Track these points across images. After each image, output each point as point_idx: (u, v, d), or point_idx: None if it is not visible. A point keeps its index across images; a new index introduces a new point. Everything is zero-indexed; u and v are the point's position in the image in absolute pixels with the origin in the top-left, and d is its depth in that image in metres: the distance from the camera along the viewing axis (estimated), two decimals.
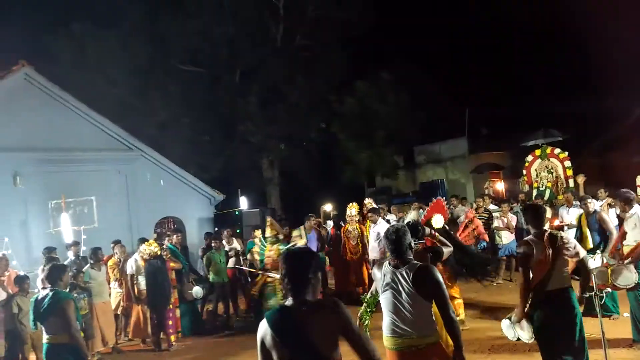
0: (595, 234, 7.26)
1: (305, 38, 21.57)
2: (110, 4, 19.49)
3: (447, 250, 5.25)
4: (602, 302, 5.76)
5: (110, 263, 8.69)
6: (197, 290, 8.90)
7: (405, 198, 18.21)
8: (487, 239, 9.16)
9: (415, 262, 3.66)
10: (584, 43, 17.55)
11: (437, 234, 5.70)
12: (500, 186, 17.54)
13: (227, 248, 9.76)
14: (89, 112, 12.12)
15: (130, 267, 8.33)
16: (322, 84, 20.95)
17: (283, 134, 21.15)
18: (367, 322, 5.00)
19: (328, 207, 13.75)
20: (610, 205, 8.90)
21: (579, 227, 7.55)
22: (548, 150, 13.10)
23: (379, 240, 8.88)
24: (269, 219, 8.47)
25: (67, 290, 5.62)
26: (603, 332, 4.76)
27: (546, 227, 7.19)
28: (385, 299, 3.66)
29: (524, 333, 4.27)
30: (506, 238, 10.23)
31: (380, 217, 9.31)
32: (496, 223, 10.43)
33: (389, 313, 3.62)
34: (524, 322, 4.28)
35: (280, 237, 8.05)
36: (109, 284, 8.52)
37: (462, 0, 23.30)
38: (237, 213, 14.81)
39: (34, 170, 10.89)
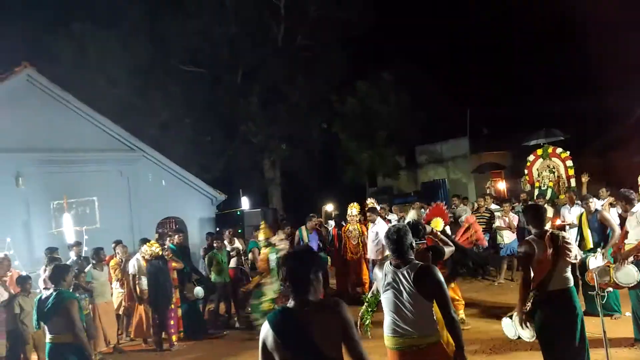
0: (595, 233, 7.25)
1: (306, 38, 21.59)
2: (110, 4, 19.54)
3: (448, 250, 5.24)
4: (605, 301, 5.77)
5: (112, 263, 8.70)
6: (198, 290, 8.90)
7: (406, 198, 18.21)
8: (486, 244, 9.18)
9: (417, 262, 3.66)
10: (585, 42, 17.54)
11: (438, 232, 5.70)
12: (501, 186, 17.50)
13: (228, 248, 9.76)
14: (90, 113, 12.16)
15: (132, 267, 8.34)
16: (323, 84, 20.97)
17: (284, 134, 21.18)
18: (368, 321, 5.00)
19: (329, 207, 13.76)
20: (611, 205, 8.89)
21: (579, 226, 7.54)
22: (550, 150, 13.07)
23: (378, 240, 8.88)
24: (263, 223, 8.51)
25: (71, 290, 5.62)
26: (604, 332, 4.75)
27: (548, 226, 7.22)
28: (386, 299, 3.66)
29: (525, 332, 4.27)
30: (508, 238, 10.22)
31: (378, 217, 9.30)
32: (498, 223, 10.43)
33: (390, 313, 3.62)
34: (526, 321, 4.27)
35: (272, 241, 8.08)
36: (110, 284, 8.53)
37: (463, 0, 23.31)
38: (238, 213, 14.84)
39: (36, 171, 10.92)
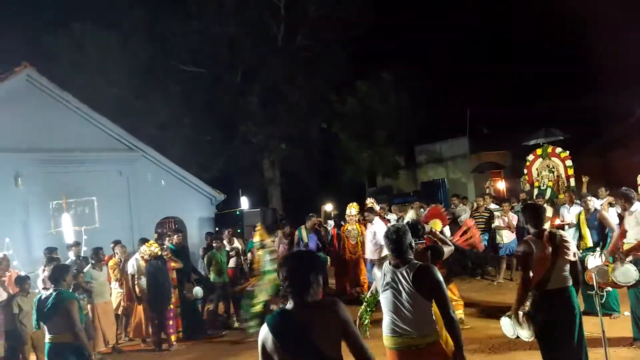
0: (594, 232, 7.26)
1: (306, 38, 21.59)
2: (110, 4, 19.53)
3: (447, 249, 5.24)
4: (604, 301, 5.77)
5: (111, 263, 8.70)
6: (197, 290, 8.90)
7: (406, 198, 18.19)
8: (482, 248, 9.21)
9: (416, 261, 3.66)
10: (584, 42, 17.54)
11: (437, 232, 5.70)
12: (501, 185, 17.52)
13: (228, 248, 9.76)
14: (90, 113, 12.15)
15: (131, 266, 8.33)
16: (322, 83, 20.98)
17: (284, 133, 21.18)
18: (367, 321, 5.01)
19: (329, 207, 13.76)
20: (610, 204, 8.89)
21: (578, 225, 7.55)
22: (549, 150, 13.08)
23: (375, 240, 8.88)
24: (259, 225, 8.52)
25: (71, 290, 5.62)
26: (603, 331, 4.75)
27: (547, 226, 7.21)
28: (385, 299, 3.66)
29: (524, 331, 4.27)
30: (507, 237, 10.22)
31: (376, 217, 9.30)
32: (497, 222, 10.43)
33: (389, 312, 3.62)
34: (524, 321, 4.27)
35: (266, 243, 8.08)
36: (109, 284, 8.53)
37: (462, 0, 23.30)
38: (238, 213, 14.83)
39: (35, 171, 10.91)
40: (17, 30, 17.87)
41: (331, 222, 11.73)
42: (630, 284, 5.59)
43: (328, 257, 10.66)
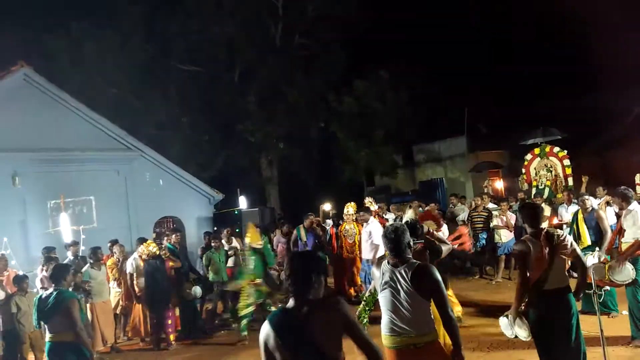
0: (591, 231, 7.27)
1: (304, 37, 21.60)
2: (109, 4, 19.51)
3: (445, 248, 5.25)
4: (602, 300, 5.79)
5: (109, 263, 8.69)
6: (196, 290, 8.90)
7: (404, 197, 18.19)
8: (470, 250, 9.27)
9: (414, 261, 3.66)
10: (583, 42, 17.55)
11: (434, 232, 5.70)
12: (499, 185, 17.54)
13: (226, 247, 9.75)
14: (87, 112, 12.13)
15: (130, 266, 8.33)
16: (321, 83, 20.98)
17: (282, 133, 21.18)
18: (365, 320, 5.01)
19: (327, 206, 13.76)
20: (608, 204, 8.91)
21: (574, 224, 7.56)
22: (547, 149, 13.10)
23: (371, 240, 8.90)
24: (251, 225, 8.46)
25: (70, 290, 5.62)
26: (602, 330, 4.76)
27: (545, 225, 7.22)
28: (383, 298, 3.66)
29: (522, 331, 4.27)
30: (505, 236, 10.24)
31: (371, 217, 9.31)
32: (495, 222, 10.45)
33: (388, 312, 3.63)
34: (522, 320, 4.27)
35: (257, 246, 8.05)
36: (108, 283, 8.52)
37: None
38: (236, 212, 14.83)
39: (32, 170, 10.89)
40: (16, 30, 17.85)
41: (329, 222, 11.73)
42: (627, 282, 5.61)
43: (327, 257, 10.66)
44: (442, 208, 13.45)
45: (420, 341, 3.53)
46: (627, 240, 6.05)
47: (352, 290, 9.67)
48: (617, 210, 6.99)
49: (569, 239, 4.30)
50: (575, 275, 4.53)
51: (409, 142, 22.57)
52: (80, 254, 8.88)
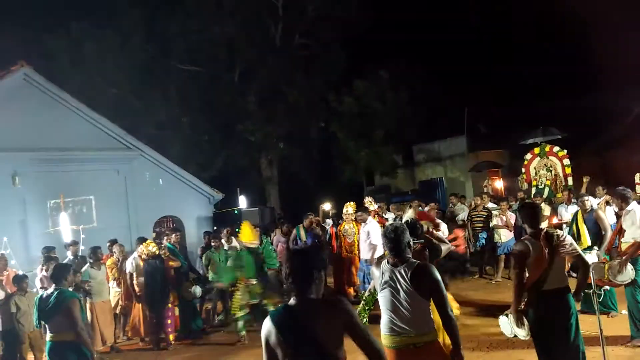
0: (591, 231, 7.27)
1: (304, 37, 21.60)
2: (109, 4, 19.51)
3: (445, 248, 5.25)
4: (601, 299, 5.79)
5: (108, 262, 8.69)
6: (196, 290, 8.90)
7: (404, 197, 18.20)
8: (464, 251, 9.30)
9: (414, 260, 3.67)
10: (583, 41, 17.55)
11: (434, 231, 5.71)
12: (499, 184, 17.55)
13: (226, 247, 9.74)
14: (87, 112, 12.12)
15: (130, 265, 8.33)
16: (321, 83, 20.98)
17: (282, 133, 21.17)
18: (364, 320, 5.01)
19: (327, 206, 13.74)
20: (607, 203, 8.91)
21: (574, 224, 7.56)
22: (547, 149, 13.11)
23: (369, 240, 8.91)
24: (245, 225, 8.41)
25: (71, 289, 5.63)
26: (601, 329, 4.76)
27: (545, 225, 7.22)
28: (383, 297, 3.66)
29: (521, 331, 4.27)
30: (505, 236, 10.24)
31: (369, 217, 9.32)
32: (495, 221, 10.45)
33: (387, 311, 3.63)
34: (521, 320, 4.27)
35: (250, 245, 8.05)
36: (108, 283, 8.51)
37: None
38: (236, 212, 14.82)
39: (32, 170, 10.89)
40: (16, 29, 17.85)
41: (329, 221, 11.74)
42: (626, 282, 5.61)
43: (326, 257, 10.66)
44: (442, 208, 13.45)
45: (419, 341, 3.53)
46: (626, 240, 6.05)
47: (351, 290, 9.68)
48: (616, 210, 6.99)
49: (569, 239, 4.29)
50: (575, 275, 4.52)
51: (408, 142, 22.57)
52: (80, 254, 8.88)
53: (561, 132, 13.60)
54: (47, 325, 5.11)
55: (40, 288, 7.56)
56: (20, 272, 7.80)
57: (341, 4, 20.39)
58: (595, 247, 6.79)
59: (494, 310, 7.42)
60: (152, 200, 12.92)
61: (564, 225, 8.93)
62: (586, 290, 6.27)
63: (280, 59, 20.69)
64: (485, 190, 13.38)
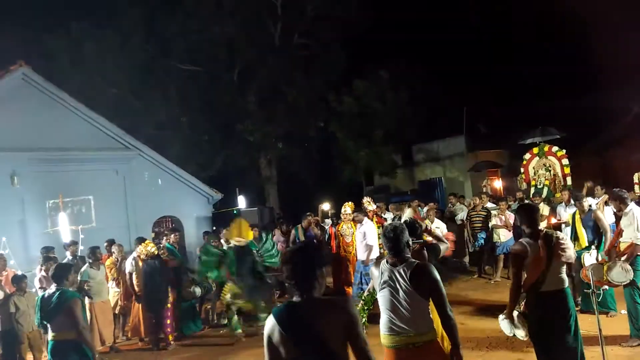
0: (589, 231, 7.27)
1: (304, 37, 21.60)
2: (109, 4, 19.50)
3: (443, 247, 5.24)
4: (600, 299, 5.79)
5: (107, 262, 8.69)
6: (195, 290, 8.89)
7: (403, 196, 18.20)
8: (451, 254, 9.33)
9: (413, 260, 3.66)
10: (582, 41, 17.57)
11: (432, 230, 5.71)
12: (498, 184, 17.55)
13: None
14: (86, 112, 12.13)
15: (129, 265, 8.32)
16: (320, 83, 20.98)
17: (281, 132, 21.17)
18: (364, 320, 5.01)
19: (326, 206, 13.76)
20: (606, 203, 8.90)
21: (572, 226, 7.57)
22: (546, 148, 13.10)
23: (365, 241, 8.92)
24: (235, 222, 8.36)
25: (72, 289, 5.63)
26: (600, 329, 4.75)
27: (543, 225, 7.22)
28: (382, 297, 3.66)
29: (519, 331, 4.27)
30: (504, 236, 10.25)
31: (365, 217, 9.33)
32: (494, 221, 10.46)
33: (387, 311, 3.62)
34: (519, 320, 4.27)
35: (236, 243, 8.02)
36: (107, 283, 8.51)
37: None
38: (235, 212, 14.81)
39: (31, 170, 10.89)
40: (16, 29, 17.85)
41: (328, 221, 11.74)
42: (625, 283, 5.62)
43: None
44: (441, 207, 13.46)
45: (419, 340, 3.52)
46: (624, 240, 6.06)
47: (349, 290, 9.67)
48: (615, 210, 6.99)
49: (569, 243, 4.27)
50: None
51: (408, 141, 22.57)
52: (79, 254, 8.87)
53: (560, 132, 13.59)
54: (49, 325, 5.12)
55: (39, 288, 7.55)
56: (19, 272, 7.80)
57: (341, 4, 20.38)
58: (593, 248, 6.79)
59: (493, 310, 7.42)
60: (151, 200, 12.93)
61: (563, 225, 8.93)
62: (585, 290, 6.29)
63: (280, 58, 20.68)
64: (484, 190, 13.38)
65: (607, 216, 8.06)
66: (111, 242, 9.12)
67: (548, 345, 4.17)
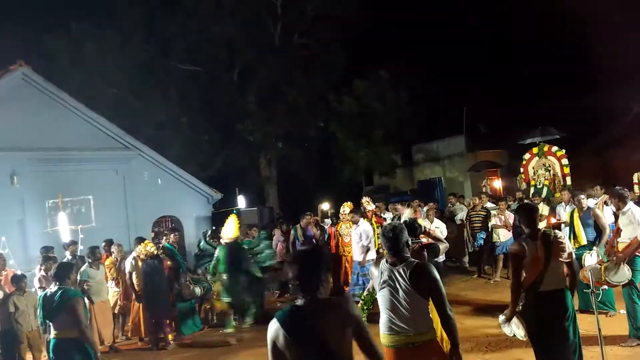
0: (588, 230, 7.27)
1: (304, 37, 21.59)
2: (109, 4, 19.50)
3: (443, 247, 5.25)
4: (600, 299, 5.79)
5: (107, 262, 8.68)
6: (195, 289, 8.89)
7: (403, 196, 18.19)
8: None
9: (413, 259, 3.67)
10: (582, 41, 17.56)
11: (431, 230, 5.71)
12: (497, 184, 17.55)
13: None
14: (86, 112, 12.13)
15: (129, 265, 8.32)
16: (320, 83, 20.97)
17: (281, 133, 21.16)
18: (363, 319, 5.00)
19: (325, 206, 13.76)
20: (606, 203, 8.90)
21: (571, 224, 7.57)
22: (545, 148, 13.10)
23: (361, 242, 8.94)
24: (233, 218, 8.37)
25: (74, 288, 5.64)
26: (599, 329, 4.76)
27: (543, 225, 7.22)
28: (382, 297, 3.66)
29: (519, 330, 4.27)
30: (504, 236, 10.26)
31: (361, 219, 9.34)
32: (494, 221, 10.46)
33: (386, 310, 3.63)
34: (519, 320, 4.27)
35: (227, 240, 8.06)
36: (106, 282, 8.50)
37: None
38: (235, 212, 14.79)
39: (31, 170, 10.89)
40: (16, 29, 17.84)
41: (328, 221, 11.74)
42: (623, 282, 5.62)
43: None
44: (440, 207, 13.46)
45: (418, 340, 3.53)
46: (623, 239, 6.06)
47: (346, 289, 9.67)
48: (614, 210, 7.00)
49: (568, 243, 4.27)
50: None
51: (408, 141, 22.56)
52: (79, 254, 8.87)
53: (560, 132, 13.59)
54: (51, 324, 5.14)
55: (39, 288, 7.55)
56: (19, 272, 7.79)
57: (341, 4, 20.37)
58: (595, 248, 6.79)
59: (492, 310, 7.43)
60: (151, 200, 12.92)
61: (562, 225, 8.92)
62: (584, 290, 6.29)
63: (280, 58, 20.68)
64: (483, 190, 13.38)
65: (606, 216, 8.06)
66: (109, 242, 9.12)
67: (547, 345, 4.17)
